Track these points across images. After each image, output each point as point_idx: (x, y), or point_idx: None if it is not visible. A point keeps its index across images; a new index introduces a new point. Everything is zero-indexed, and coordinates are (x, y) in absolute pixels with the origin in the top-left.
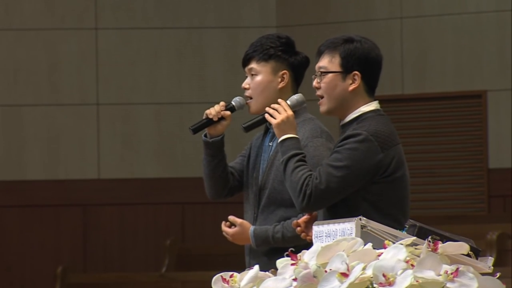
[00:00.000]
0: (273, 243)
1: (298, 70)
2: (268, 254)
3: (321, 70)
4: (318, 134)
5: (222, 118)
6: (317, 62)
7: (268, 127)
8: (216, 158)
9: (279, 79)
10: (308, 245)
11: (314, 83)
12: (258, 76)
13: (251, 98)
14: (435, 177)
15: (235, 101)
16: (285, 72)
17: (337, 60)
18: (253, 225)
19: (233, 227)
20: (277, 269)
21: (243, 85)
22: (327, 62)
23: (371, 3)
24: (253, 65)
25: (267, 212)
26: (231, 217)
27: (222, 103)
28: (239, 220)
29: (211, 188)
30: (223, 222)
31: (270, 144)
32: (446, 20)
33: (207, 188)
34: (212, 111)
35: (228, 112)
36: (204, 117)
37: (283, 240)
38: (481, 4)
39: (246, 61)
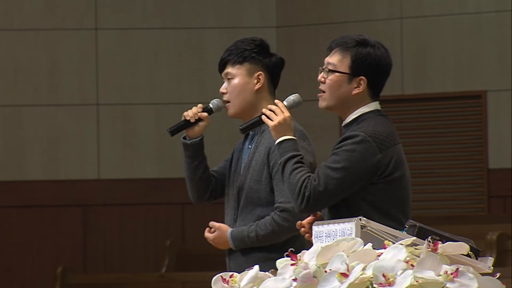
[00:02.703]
0: (249, 243)
1: (274, 71)
2: (244, 253)
3: (329, 67)
4: None
5: (199, 120)
6: (326, 56)
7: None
8: (195, 160)
9: (255, 81)
10: (285, 243)
11: (320, 76)
12: (235, 80)
13: (228, 102)
14: (435, 177)
15: (213, 103)
16: (260, 73)
17: (347, 61)
18: (233, 226)
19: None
20: (276, 269)
21: (220, 90)
22: (337, 60)
23: (371, 3)
24: (229, 69)
25: (246, 212)
26: (211, 223)
27: (199, 105)
28: (217, 224)
29: (193, 191)
30: (207, 229)
31: (249, 146)
32: (446, 20)
33: (189, 191)
34: (190, 113)
35: (205, 114)
36: (182, 119)
37: (257, 239)
38: (481, 4)
39: (221, 66)
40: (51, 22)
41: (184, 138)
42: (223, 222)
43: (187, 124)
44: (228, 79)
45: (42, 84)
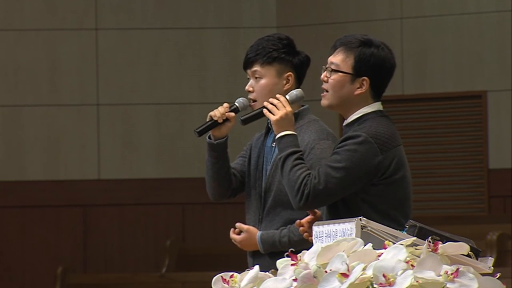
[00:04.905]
0: (280, 247)
1: (301, 70)
2: (271, 255)
3: (332, 66)
4: (324, 136)
5: (226, 120)
6: (330, 55)
7: (269, 127)
8: (220, 160)
9: (284, 81)
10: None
11: (323, 75)
12: (263, 79)
13: (254, 101)
14: (435, 177)
15: (239, 102)
16: (290, 74)
17: (350, 61)
18: (258, 227)
19: (241, 233)
20: (277, 270)
21: (246, 87)
22: (340, 60)
23: (371, 3)
24: (257, 68)
25: (273, 214)
26: (238, 224)
27: (225, 104)
28: (245, 227)
29: (215, 190)
30: (232, 230)
31: (273, 145)
32: (446, 20)
33: (211, 190)
34: (217, 113)
35: (233, 114)
36: (208, 119)
37: (289, 244)
38: (481, 4)
39: (249, 64)
40: (51, 22)
41: (209, 138)
42: (234, 221)
43: (215, 124)
44: (256, 77)
45: (42, 84)
